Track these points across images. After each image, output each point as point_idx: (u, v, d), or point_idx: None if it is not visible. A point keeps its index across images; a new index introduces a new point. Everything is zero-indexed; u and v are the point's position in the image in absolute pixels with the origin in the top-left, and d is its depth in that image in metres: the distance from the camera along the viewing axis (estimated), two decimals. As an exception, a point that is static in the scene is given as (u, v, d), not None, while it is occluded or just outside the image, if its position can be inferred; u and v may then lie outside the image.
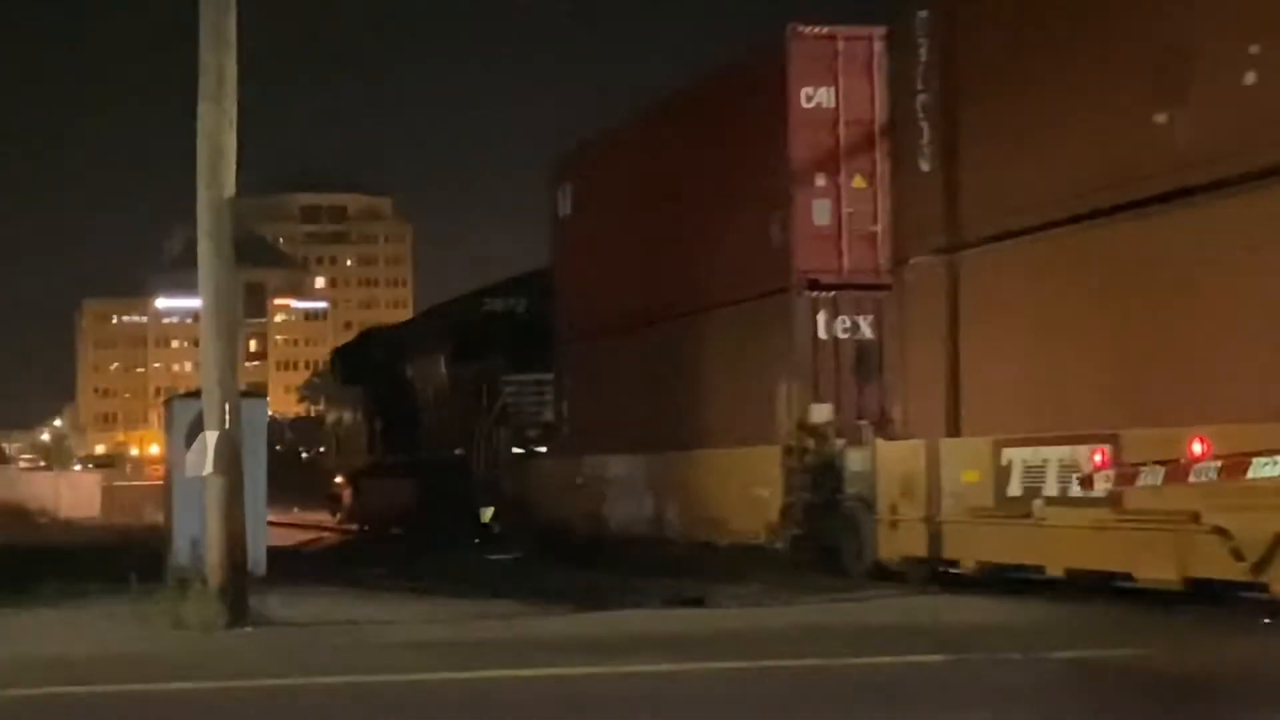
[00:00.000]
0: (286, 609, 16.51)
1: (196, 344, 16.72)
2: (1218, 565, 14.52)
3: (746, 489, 22.89)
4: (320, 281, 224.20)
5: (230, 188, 16.07)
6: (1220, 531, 14.42)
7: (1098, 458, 15.24)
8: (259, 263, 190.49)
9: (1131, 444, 15.54)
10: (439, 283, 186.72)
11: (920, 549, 19.09)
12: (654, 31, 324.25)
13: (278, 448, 52.11)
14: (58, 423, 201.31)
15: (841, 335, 22.35)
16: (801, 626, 15.36)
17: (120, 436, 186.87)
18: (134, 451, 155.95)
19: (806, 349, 22.26)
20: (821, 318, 22.31)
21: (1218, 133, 14.86)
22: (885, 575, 19.63)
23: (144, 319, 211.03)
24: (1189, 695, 10.73)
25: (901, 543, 19.40)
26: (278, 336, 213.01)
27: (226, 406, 15.93)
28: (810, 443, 21.75)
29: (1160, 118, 15.46)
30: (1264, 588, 14.23)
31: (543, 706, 11.00)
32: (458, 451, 36.15)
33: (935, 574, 18.89)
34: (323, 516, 50.70)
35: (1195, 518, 14.70)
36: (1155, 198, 15.51)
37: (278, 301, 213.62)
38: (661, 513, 25.81)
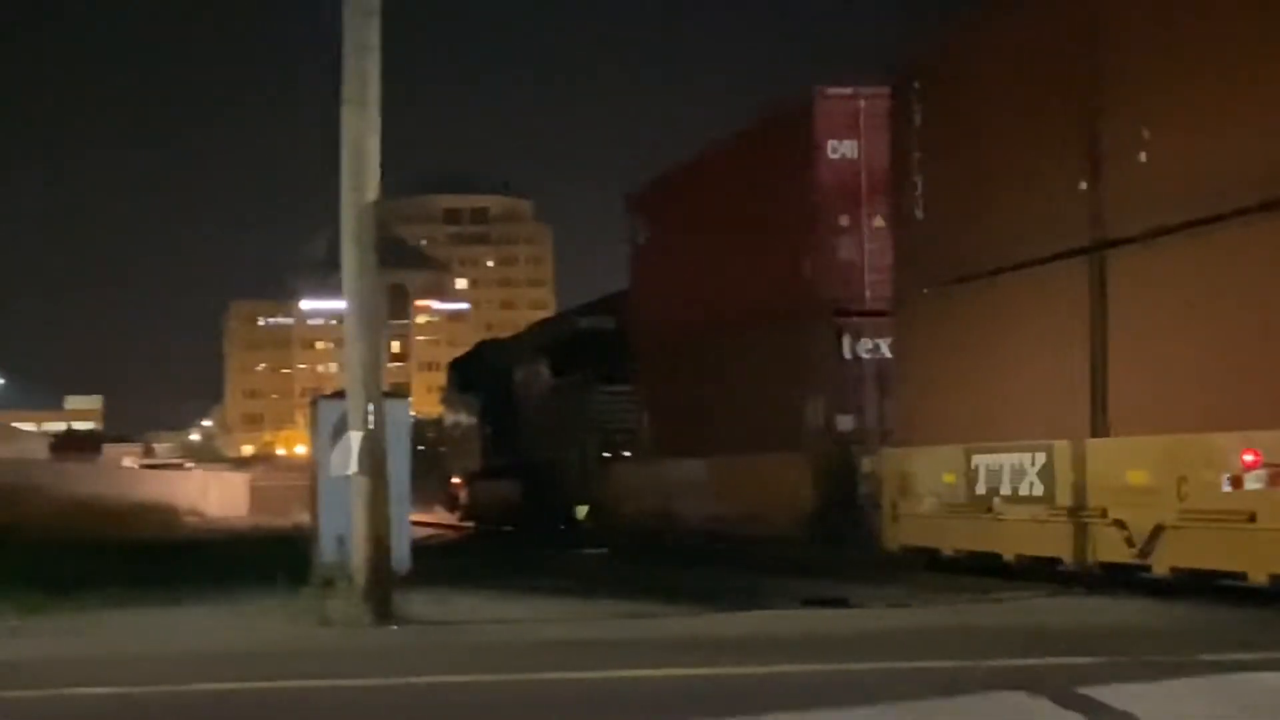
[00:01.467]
0: (430, 607, 16.56)
1: (341, 345, 16.73)
2: (1117, 550, 17.58)
3: (784, 490, 26.30)
4: (462, 283, 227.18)
5: (373, 191, 16.20)
6: (1119, 524, 17.53)
7: (1248, 458, 15.28)
8: (401, 265, 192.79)
9: (1059, 454, 18.79)
10: (578, 284, 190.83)
11: (914, 539, 22.27)
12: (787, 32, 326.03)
13: (420, 448, 55.47)
14: (207, 423, 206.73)
15: (864, 355, 25.75)
16: (953, 628, 15.28)
17: (266, 437, 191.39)
18: (280, 451, 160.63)
19: (833, 368, 25.70)
20: (846, 340, 25.73)
21: (1122, 198, 18.10)
22: (891, 562, 22.79)
23: (290, 321, 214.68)
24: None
25: (900, 534, 22.62)
26: (420, 338, 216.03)
27: (370, 407, 16.01)
28: (835, 449, 25.26)
29: (1082, 185, 18.77)
30: (1148, 568, 17.44)
31: (705, 704, 10.79)
32: (557, 455, 39.51)
33: (932, 562, 21.98)
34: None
35: (1103, 513, 17.81)
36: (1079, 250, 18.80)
37: (420, 303, 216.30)
38: (718, 511, 29.03)
